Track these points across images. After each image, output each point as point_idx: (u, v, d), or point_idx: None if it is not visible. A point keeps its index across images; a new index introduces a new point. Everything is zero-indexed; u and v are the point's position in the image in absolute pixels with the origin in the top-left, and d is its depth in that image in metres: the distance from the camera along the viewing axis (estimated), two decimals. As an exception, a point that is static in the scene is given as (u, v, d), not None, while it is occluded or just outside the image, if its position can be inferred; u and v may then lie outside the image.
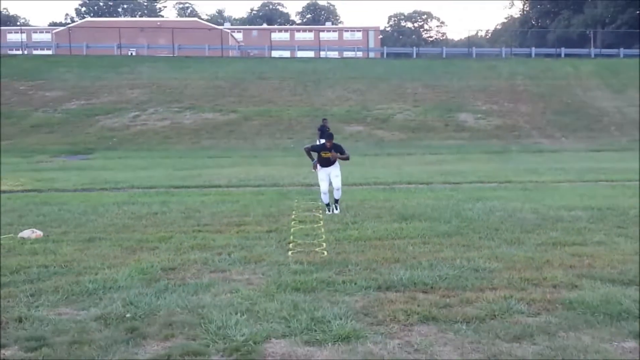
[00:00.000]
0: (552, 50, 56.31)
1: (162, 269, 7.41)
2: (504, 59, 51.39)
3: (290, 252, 8.29)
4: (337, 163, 11.45)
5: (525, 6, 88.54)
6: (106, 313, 5.82)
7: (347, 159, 11.61)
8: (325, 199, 11.50)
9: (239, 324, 5.42)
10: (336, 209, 11.29)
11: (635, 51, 54.14)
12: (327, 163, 11.33)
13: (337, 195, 11.44)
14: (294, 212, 11.49)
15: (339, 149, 11.35)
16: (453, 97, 39.74)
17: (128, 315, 5.76)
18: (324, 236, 9.30)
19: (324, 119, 22.21)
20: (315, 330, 5.30)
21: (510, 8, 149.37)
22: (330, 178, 11.43)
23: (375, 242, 8.89)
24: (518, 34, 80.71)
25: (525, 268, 7.33)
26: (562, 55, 53.10)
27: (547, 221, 10.40)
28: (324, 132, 20.91)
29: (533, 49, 56.16)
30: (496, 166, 21.47)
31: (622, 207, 11.68)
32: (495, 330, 5.28)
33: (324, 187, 11.44)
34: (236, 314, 5.68)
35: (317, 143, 21.47)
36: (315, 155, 11.59)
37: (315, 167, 11.52)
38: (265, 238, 9.23)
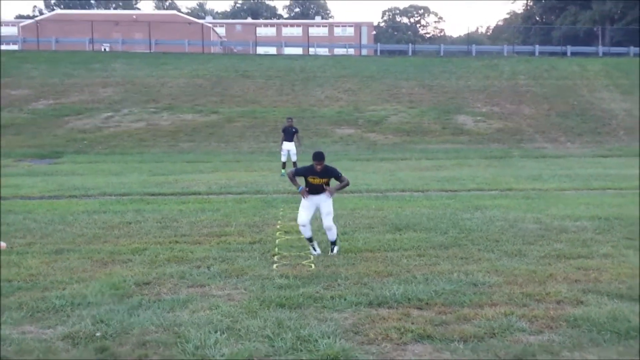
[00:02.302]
0: (557, 49, 56.79)
1: (135, 284, 7.39)
2: (505, 57, 51.72)
3: (275, 265, 8.29)
4: (328, 194, 9.22)
5: (529, 1, 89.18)
6: (74, 331, 5.80)
7: (346, 186, 9.48)
8: (305, 232, 9.23)
9: (219, 344, 5.42)
10: (333, 251, 9.13)
11: (645, 49, 54.64)
12: (315, 190, 9.14)
13: (331, 236, 9.20)
14: (279, 222, 11.49)
15: (332, 173, 9.10)
16: (451, 97, 39.92)
17: (98, 334, 5.74)
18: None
19: (289, 118, 21.92)
20: (301, 350, 5.31)
21: (512, 3, 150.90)
22: (319, 212, 9.27)
23: (366, 254, 8.91)
24: (521, 31, 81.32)
25: (527, 282, 7.38)
26: (568, 53, 53.54)
27: (550, 232, 10.45)
28: (288, 133, 20.82)
29: (537, 46, 56.68)
30: (497, 172, 21.54)
31: (631, 216, 11.74)
32: (495, 350, 5.31)
33: (302, 217, 9.12)
34: (216, 332, 5.68)
35: (282, 148, 21.28)
36: (301, 180, 9.26)
37: (305, 195, 9.13)
38: (248, 250, 9.23)
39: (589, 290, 7.03)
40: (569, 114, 37.93)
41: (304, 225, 9.12)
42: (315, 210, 9.26)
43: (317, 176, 9.01)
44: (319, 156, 8.97)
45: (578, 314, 6.17)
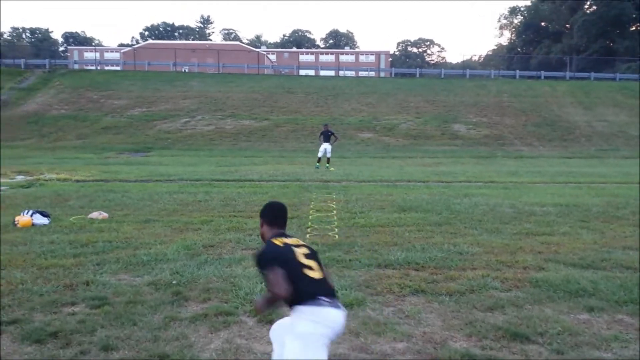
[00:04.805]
0: (533, 73, 55.62)
1: (203, 246, 7.51)
2: (492, 80, 50.90)
3: (308, 235, 8.33)
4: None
5: (513, 35, 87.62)
6: (157, 280, 5.95)
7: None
8: None
9: (263, 291, 5.47)
10: None
11: (604, 75, 53.44)
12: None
13: None
14: (312, 203, 11.52)
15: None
16: (449, 110, 39.47)
17: (174, 282, 5.88)
18: (336, 223, 9.33)
19: (325, 125, 21.73)
20: (325, 298, 5.37)
21: (499, 37, 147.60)
22: None
23: (378, 228, 8.91)
24: (505, 59, 79.85)
25: (501, 252, 7.32)
26: (542, 77, 52.42)
27: (522, 215, 10.34)
28: (325, 135, 20.69)
29: (517, 71, 55.59)
30: (482, 168, 21.29)
31: (586, 204, 11.57)
32: (473, 302, 5.32)
33: None
34: (261, 283, 5.73)
35: (320, 146, 21.12)
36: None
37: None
38: (288, 223, 9.22)
39: (550, 259, 6.97)
40: (541, 124, 37.25)
41: None
42: None
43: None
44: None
45: (540, 277, 6.13)
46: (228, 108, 38.70)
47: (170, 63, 53.48)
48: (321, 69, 60.14)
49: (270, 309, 3.40)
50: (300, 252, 3.35)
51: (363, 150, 30.61)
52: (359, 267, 6.54)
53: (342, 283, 5.80)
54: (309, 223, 9.29)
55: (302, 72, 57.26)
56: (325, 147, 20.54)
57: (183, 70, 56.02)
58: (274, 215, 3.61)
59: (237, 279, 5.93)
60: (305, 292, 3.17)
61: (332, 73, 58.02)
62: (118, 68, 56.89)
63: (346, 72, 57.60)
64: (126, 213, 10.15)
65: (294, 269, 3.21)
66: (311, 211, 10.48)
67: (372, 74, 59.57)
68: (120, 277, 6.11)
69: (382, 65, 76.12)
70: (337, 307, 3.24)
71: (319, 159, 20.69)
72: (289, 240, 3.44)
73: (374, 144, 32.54)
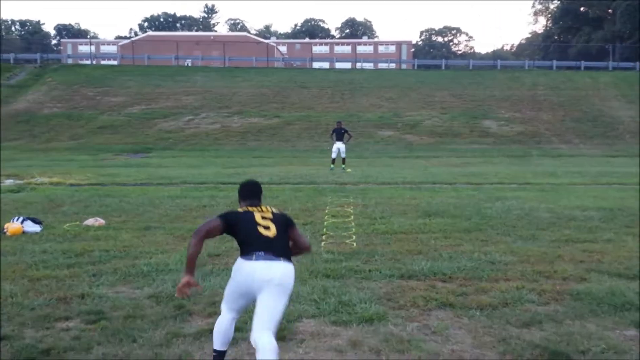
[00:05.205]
0: (572, 63, 55.16)
1: (208, 255, 7.51)
2: (527, 71, 50.53)
3: (323, 243, 8.34)
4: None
5: (549, 22, 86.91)
6: (158, 292, 5.96)
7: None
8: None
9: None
10: None
11: (651, 64, 52.70)
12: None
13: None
14: (327, 208, 11.51)
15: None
16: (478, 105, 39.27)
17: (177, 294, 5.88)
18: (354, 229, 9.32)
19: (338, 122, 21.71)
20: (342, 312, 5.36)
21: (534, 24, 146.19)
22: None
23: (400, 235, 8.87)
24: (541, 48, 79.30)
25: (538, 262, 7.25)
26: (582, 68, 51.93)
27: (561, 220, 10.23)
28: (338, 133, 20.73)
29: (554, 61, 55.16)
30: (517, 169, 21.13)
31: (632, 208, 11.41)
32: (507, 317, 5.27)
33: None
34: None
35: (333, 145, 21.05)
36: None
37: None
38: (301, 229, 9.24)
39: (592, 269, 6.88)
40: (581, 119, 36.92)
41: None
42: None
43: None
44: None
45: (581, 289, 6.06)
46: (235, 105, 38.87)
47: (171, 56, 53.85)
48: (336, 61, 60.11)
49: (189, 257, 3.88)
50: (259, 215, 4.01)
51: (383, 149, 30.55)
52: (379, 278, 6.51)
53: (361, 296, 5.79)
54: (324, 230, 9.28)
55: (316, 65, 57.34)
56: (339, 146, 20.52)
57: (186, 64, 56.37)
58: (245, 193, 4.27)
59: (245, 292, 5.92)
60: (245, 247, 3.89)
61: (348, 65, 58.00)
62: (115, 62, 57.40)
63: (364, 64, 57.53)
64: (124, 219, 10.20)
65: (248, 228, 3.92)
66: (326, 217, 10.47)
67: (393, 66, 59.44)
68: (118, 289, 6.14)
69: (404, 57, 75.90)
70: (264, 259, 3.80)
71: (334, 159, 20.69)
72: (253, 208, 4.07)
73: (395, 142, 32.47)
